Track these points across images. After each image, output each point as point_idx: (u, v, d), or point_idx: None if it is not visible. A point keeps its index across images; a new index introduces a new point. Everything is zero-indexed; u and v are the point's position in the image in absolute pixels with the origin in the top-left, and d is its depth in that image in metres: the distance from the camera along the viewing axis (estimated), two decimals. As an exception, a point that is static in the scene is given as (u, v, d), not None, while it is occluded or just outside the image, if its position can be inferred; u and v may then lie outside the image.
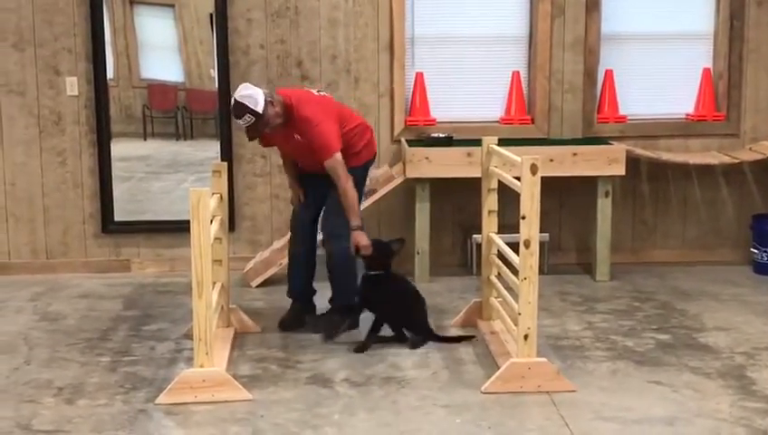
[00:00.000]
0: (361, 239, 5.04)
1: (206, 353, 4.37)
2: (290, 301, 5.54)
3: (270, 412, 4.24)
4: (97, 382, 4.62)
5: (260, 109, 4.95)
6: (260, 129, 5.04)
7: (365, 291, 5.15)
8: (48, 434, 4.03)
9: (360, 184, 5.31)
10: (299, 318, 5.45)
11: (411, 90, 6.80)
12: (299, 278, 5.50)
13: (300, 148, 5.20)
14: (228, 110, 6.56)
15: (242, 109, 4.95)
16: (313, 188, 5.39)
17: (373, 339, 5.07)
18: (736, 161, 6.70)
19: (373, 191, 6.32)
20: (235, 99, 4.97)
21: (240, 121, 4.99)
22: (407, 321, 5.16)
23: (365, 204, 6.08)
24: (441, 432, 4.03)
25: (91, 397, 4.44)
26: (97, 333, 5.39)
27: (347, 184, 5.06)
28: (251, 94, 4.97)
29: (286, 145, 5.33)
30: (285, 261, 6.16)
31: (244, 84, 5.07)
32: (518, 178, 4.45)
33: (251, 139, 5.17)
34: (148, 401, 4.37)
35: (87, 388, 4.55)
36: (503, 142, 5.35)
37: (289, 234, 5.61)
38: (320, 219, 5.42)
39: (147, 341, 5.25)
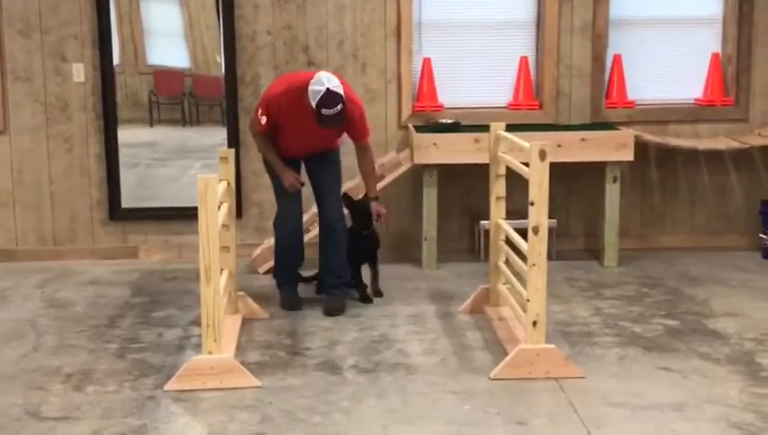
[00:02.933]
0: (382, 208, 5.58)
1: (215, 340, 4.37)
2: (283, 284, 5.71)
3: (278, 399, 4.24)
4: (105, 369, 4.63)
5: (344, 96, 5.07)
6: (344, 117, 5.11)
7: (363, 248, 5.68)
8: (57, 421, 4.03)
9: None
10: (298, 295, 5.68)
11: (419, 75, 6.78)
12: (298, 260, 5.67)
13: (325, 134, 5.31)
14: (235, 95, 6.61)
15: (338, 98, 5.02)
16: (295, 170, 5.52)
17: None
18: (745, 146, 6.67)
19: (381, 177, 6.31)
20: (328, 89, 4.99)
21: (330, 111, 5.01)
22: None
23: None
24: (449, 419, 4.03)
25: (100, 384, 4.44)
26: (105, 320, 5.40)
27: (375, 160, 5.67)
28: (338, 83, 5.06)
29: (307, 128, 5.23)
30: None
31: (325, 73, 5.12)
32: (526, 164, 4.43)
33: (330, 126, 5.13)
34: (157, 387, 4.38)
35: (95, 375, 4.56)
36: (511, 128, 5.32)
37: (276, 219, 5.69)
38: (323, 201, 5.57)
39: (155, 327, 5.26)
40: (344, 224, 5.59)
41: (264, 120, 5.30)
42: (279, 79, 5.68)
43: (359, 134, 5.41)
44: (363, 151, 5.48)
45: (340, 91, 5.05)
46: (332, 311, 5.43)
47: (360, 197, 5.74)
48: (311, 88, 5.04)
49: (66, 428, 3.96)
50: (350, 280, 5.68)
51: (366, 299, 5.65)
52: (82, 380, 4.49)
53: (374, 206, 5.54)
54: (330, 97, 5.00)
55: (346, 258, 5.60)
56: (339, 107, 5.02)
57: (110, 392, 4.34)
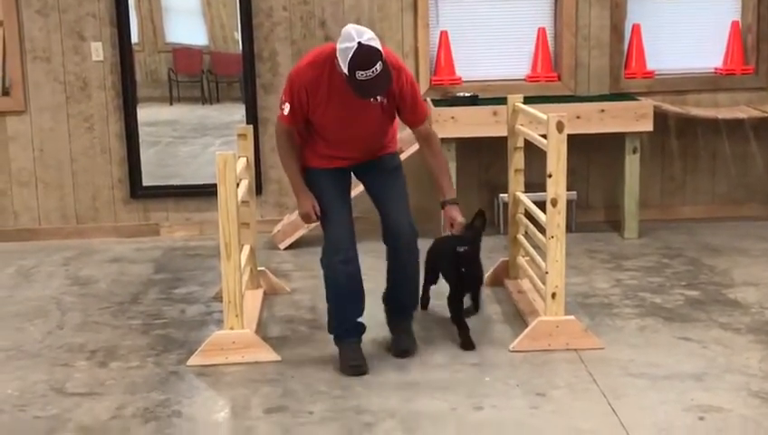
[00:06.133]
0: (459, 216, 4.34)
1: (236, 316, 4.40)
2: (343, 339, 4.38)
3: (300, 373, 4.27)
4: (129, 345, 4.68)
5: (383, 51, 3.91)
6: (388, 79, 3.91)
7: (459, 268, 4.54)
8: (82, 396, 4.09)
9: None
10: (362, 354, 4.33)
11: (436, 49, 6.76)
12: (358, 302, 4.35)
13: (370, 117, 4.15)
14: (253, 72, 6.61)
15: (375, 54, 3.83)
16: (343, 186, 4.38)
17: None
18: (766, 115, 6.63)
19: (399, 151, 6.30)
20: (360, 43, 3.81)
21: (367, 73, 3.82)
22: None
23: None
24: (470, 390, 4.05)
25: (124, 359, 4.50)
26: (128, 297, 5.45)
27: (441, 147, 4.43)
28: (372, 36, 3.87)
29: (345, 112, 4.09)
30: (312, 224, 6.17)
31: (354, 26, 3.93)
32: (544, 136, 4.42)
33: (371, 94, 3.98)
34: (180, 362, 4.42)
35: (119, 351, 4.61)
36: (529, 100, 5.31)
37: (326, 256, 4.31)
38: (388, 212, 4.36)
39: (177, 304, 5.31)
40: (416, 238, 4.38)
41: (287, 108, 4.11)
42: (306, 54, 4.33)
43: (413, 112, 4.19)
44: (425, 139, 4.30)
45: (377, 45, 3.84)
46: (401, 353, 4.39)
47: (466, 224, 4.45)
48: (339, 47, 3.86)
49: (91, 403, 4.01)
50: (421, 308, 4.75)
51: (466, 345, 4.47)
52: (107, 356, 4.55)
53: (448, 211, 4.33)
54: (364, 54, 3.80)
55: (418, 283, 4.56)
56: (378, 66, 3.81)
57: (134, 368, 4.39)
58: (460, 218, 4.32)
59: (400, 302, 4.54)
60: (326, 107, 4.09)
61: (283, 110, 4.14)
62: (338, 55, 3.89)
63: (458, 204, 4.36)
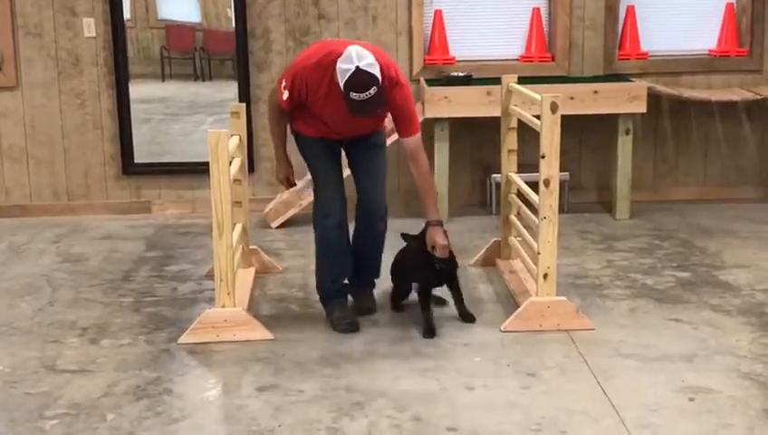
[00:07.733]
0: (441, 238, 4.40)
1: (228, 294, 4.40)
2: (331, 299, 4.65)
3: (291, 351, 4.28)
4: (120, 323, 4.68)
5: (380, 76, 4.11)
6: (383, 102, 4.17)
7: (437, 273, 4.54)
8: (73, 374, 4.09)
9: None
10: (352, 312, 4.65)
11: (430, 28, 6.74)
12: (345, 264, 4.65)
13: (364, 118, 4.32)
14: (245, 50, 6.59)
15: (370, 80, 4.06)
16: (334, 154, 4.59)
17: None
18: (759, 98, 6.63)
19: (391, 131, 6.29)
20: (358, 68, 4.04)
21: (360, 95, 4.07)
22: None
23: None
24: (460, 370, 4.06)
25: (115, 337, 4.50)
26: (119, 274, 5.44)
27: (429, 168, 4.52)
28: (371, 61, 4.09)
29: (340, 113, 4.28)
30: (305, 202, 6.19)
31: (356, 48, 4.13)
32: (538, 117, 4.42)
33: (361, 114, 4.17)
34: (171, 340, 4.43)
35: (110, 328, 4.61)
36: (523, 80, 5.30)
37: (318, 218, 4.58)
38: (364, 185, 4.60)
39: (169, 281, 5.30)
40: (386, 216, 4.64)
41: (285, 95, 4.36)
42: (316, 45, 4.56)
43: (404, 126, 4.36)
44: (412, 155, 4.39)
45: (374, 71, 4.06)
46: (366, 311, 4.67)
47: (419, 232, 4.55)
48: (338, 66, 4.10)
49: (82, 380, 4.02)
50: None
51: (429, 333, 4.43)
52: (98, 333, 4.55)
53: (430, 233, 4.38)
54: (359, 78, 4.04)
55: (381, 255, 4.71)
56: (372, 91, 4.05)
57: (126, 345, 4.39)
58: (442, 241, 4.41)
59: (367, 272, 4.77)
60: (324, 102, 4.34)
61: (282, 93, 4.38)
62: (337, 71, 4.12)
63: (442, 225, 4.47)
